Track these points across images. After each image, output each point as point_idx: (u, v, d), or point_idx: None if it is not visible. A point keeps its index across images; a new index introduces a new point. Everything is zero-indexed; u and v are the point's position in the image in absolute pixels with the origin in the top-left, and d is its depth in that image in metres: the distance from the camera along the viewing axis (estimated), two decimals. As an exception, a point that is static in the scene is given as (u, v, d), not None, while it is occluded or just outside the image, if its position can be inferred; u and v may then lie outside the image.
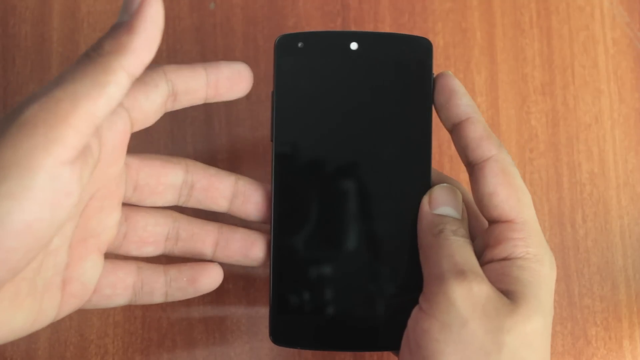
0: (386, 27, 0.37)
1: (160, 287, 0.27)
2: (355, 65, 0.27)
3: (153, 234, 0.27)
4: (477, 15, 0.37)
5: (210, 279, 0.27)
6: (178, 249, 0.27)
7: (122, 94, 0.21)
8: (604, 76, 0.37)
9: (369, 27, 0.37)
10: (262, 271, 0.34)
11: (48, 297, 0.23)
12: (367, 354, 0.34)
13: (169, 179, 0.26)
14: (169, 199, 0.27)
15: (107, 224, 0.25)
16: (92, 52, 0.20)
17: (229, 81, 0.26)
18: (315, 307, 0.27)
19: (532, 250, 0.25)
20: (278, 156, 0.27)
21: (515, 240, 0.25)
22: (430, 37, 0.37)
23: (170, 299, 0.27)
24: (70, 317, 0.33)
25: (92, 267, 0.25)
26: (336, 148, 0.27)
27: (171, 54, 0.35)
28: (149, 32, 0.21)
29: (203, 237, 0.27)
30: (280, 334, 0.27)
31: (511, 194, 0.25)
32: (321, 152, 0.27)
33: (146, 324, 0.33)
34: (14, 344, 0.33)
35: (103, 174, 0.23)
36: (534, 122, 0.36)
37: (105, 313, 0.33)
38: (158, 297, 0.27)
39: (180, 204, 0.27)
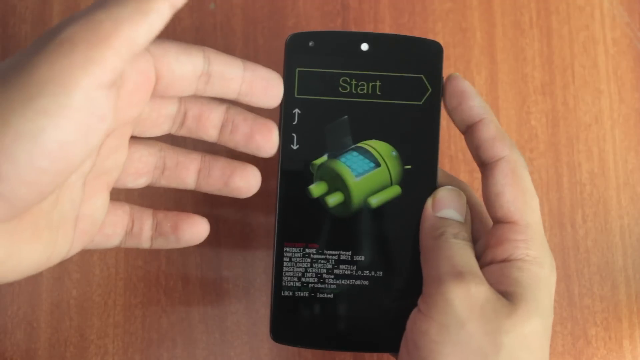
0: (386, 27, 0.37)
1: (148, 229, 0.27)
2: (365, 65, 0.27)
3: (147, 164, 0.27)
4: (477, 15, 0.37)
5: (193, 229, 0.27)
6: (164, 178, 0.27)
7: (162, 23, 0.20)
8: (604, 76, 0.37)
9: (368, 28, 0.37)
10: (262, 271, 0.34)
11: (62, 232, 0.23)
12: (367, 354, 0.34)
13: (168, 110, 0.26)
14: (165, 129, 0.27)
15: (119, 162, 0.25)
16: None
17: (265, 82, 0.25)
18: (316, 306, 0.27)
19: (532, 252, 0.24)
20: (284, 155, 0.27)
21: (516, 241, 0.25)
22: (430, 37, 0.37)
23: (155, 245, 0.27)
24: (70, 317, 0.33)
25: (101, 205, 0.25)
26: (344, 148, 0.27)
27: (171, 54, 0.35)
28: None
29: (187, 165, 0.27)
30: (280, 332, 0.27)
31: (518, 196, 0.25)
32: (328, 151, 0.27)
33: (146, 324, 0.33)
34: (14, 343, 0.33)
35: (124, 114, 0.23)
36: (534, 122, 0.36)
37: (105, 313, 0.33)
38: (144, 242, 0.27)
39: (172, 132, 0.27)
